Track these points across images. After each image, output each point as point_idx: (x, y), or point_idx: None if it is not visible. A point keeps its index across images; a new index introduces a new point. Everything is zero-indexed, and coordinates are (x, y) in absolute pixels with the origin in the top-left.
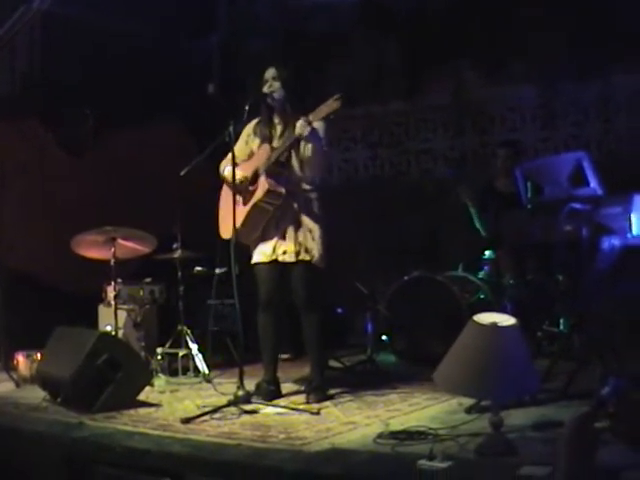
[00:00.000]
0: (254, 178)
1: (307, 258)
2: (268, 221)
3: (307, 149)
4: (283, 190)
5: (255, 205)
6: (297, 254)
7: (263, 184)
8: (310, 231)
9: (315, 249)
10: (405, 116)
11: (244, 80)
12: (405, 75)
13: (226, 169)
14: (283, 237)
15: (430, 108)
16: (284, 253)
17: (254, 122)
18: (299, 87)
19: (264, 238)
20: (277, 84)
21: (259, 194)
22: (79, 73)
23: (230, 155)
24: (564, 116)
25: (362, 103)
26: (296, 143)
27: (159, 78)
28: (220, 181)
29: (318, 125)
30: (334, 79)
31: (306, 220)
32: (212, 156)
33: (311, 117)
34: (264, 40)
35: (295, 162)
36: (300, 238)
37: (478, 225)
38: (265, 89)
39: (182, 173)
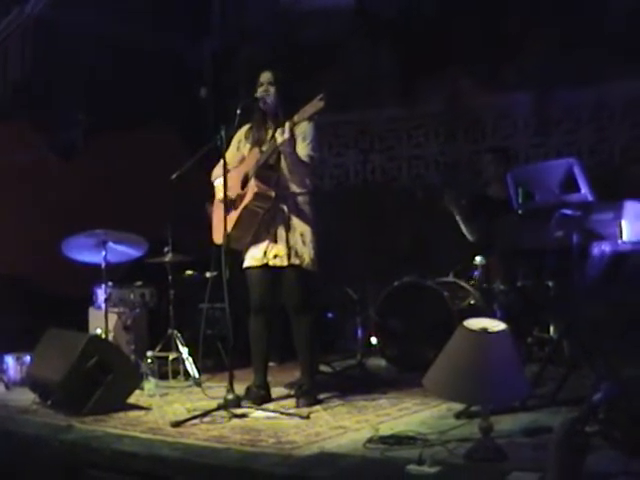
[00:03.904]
0: (244, 182)
1: (297, 262)
2: (259, 225)
3: (284, 159)
4: (272, 193)
5: (245, 208)
6: (288, 258)
7: (252, 187)
8: (301, 235)
9: (306, 253)
10: (397, 122)
11: (236, 85)
12: (397, 81)
13: (216, 180)
14: (274, 240)
15: (422, 114)
16: (275, 257)
17: (245, 128)
18: (292, 92)
19: (255, 242)
20: (272, 88)
21: (248, 197)
22: (71, 77)
23: (221, 162)
24: (557, 123)
25: (354, 109)
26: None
27: (151, 82)
28: (210, 185)
29: (306, 128)
30: (327, 84)
31: (297, 223)
32: (203, 160)
33: (296, 118)
34: (257, 46)
35: (284, 165)
36: (291, 242)
37: (464, 231)
38: (260, 92)
39: (173, 177)
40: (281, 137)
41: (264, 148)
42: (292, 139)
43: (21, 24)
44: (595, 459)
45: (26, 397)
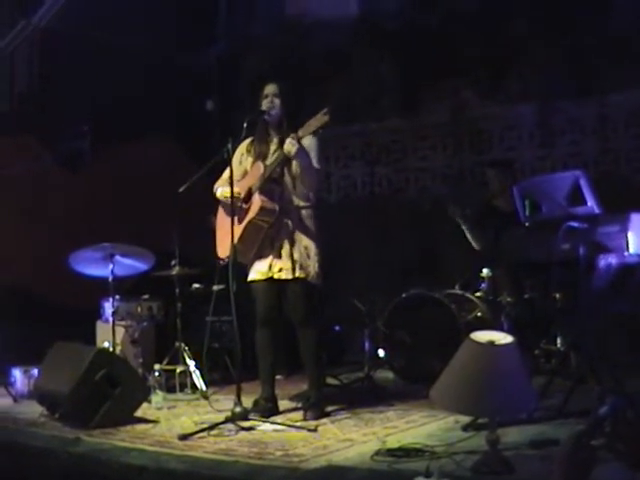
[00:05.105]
0: (248, 196)
1: (303, 275)
2: (263, 239)
3: (297, 166)
4: (276, 207)
5: (250, 222)
6: (293, 271)
7: (257, 201)
8: (305, 248)
9: (311, 266)
10: (403, 134)
11: (242, 96)
12: (403, 92)
13: (218, 190)
14: (278, 254)
15: (428, 126)
16: (280, 270)
17: (247, 141)
18: (296, 104)
19: (260, 256)
20: (277, 101)
21: (253, 211)
22: (77, 89)
23: (224, 175)
24: (562, 134)
25: (360, 120)
26: (287, 160)
27: (157, 93)
28: (214, 198)
29: (310, 142)
30: (332, 96)
31: (301, 237)
32: (210, 173)
33: (300, 132)
34: (262, 56)
35: (288, 179)
36: (295, 255)
37: (471, 240)
38: (265, 104)
39: (180, 190)
40: (293, 147)
41: (267, 162)
42: (303, 147)
43: (28, 36)
44: (600, 471)
45: (34, 410)
